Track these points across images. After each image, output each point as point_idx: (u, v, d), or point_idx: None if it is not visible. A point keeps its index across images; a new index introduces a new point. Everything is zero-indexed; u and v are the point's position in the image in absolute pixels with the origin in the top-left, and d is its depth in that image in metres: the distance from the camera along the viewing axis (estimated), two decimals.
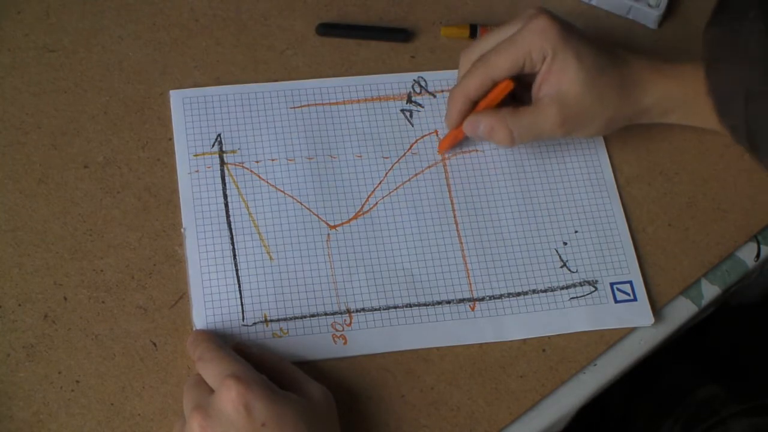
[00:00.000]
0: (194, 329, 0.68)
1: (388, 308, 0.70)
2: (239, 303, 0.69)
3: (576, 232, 0.75)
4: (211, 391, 0.61)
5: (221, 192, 0.73)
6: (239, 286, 0.70)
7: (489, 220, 0.74)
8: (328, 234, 0.72)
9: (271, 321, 0.69)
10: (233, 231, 0.72)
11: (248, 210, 0.73)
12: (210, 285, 0.70)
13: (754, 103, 0.48)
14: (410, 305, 0.71)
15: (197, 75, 0.78)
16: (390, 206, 0.74)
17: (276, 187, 0.74)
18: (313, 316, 0.69)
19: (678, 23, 0.84)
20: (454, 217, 0.74)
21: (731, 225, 0.76)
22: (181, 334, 0.68)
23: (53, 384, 0.66)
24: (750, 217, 0.77)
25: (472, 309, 0.71)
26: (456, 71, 0.79)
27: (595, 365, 0.71)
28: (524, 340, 0.71)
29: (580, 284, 0.73)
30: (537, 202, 0.75)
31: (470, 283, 0.72)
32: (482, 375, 0.69)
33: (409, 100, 0.79)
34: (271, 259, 0.71)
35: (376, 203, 0.74)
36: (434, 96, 0.79)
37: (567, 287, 0.72)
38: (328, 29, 0.80)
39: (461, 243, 0.73)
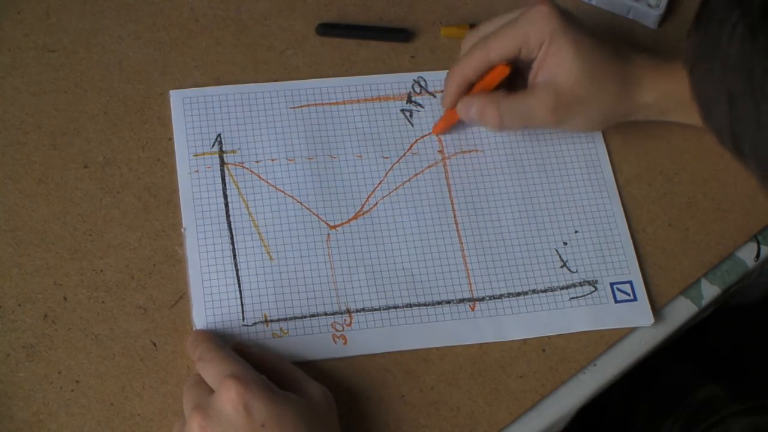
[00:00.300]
0: (194, 329, 0.68)
1: (388, 308, 0.70)
2: (239, 303, 0.69)
3: (576, 232, 0.75)
4: (211, 391, 0.61)
5: (221, 192, 0.73)
6: (239, 286, 0.70)
7: (489, 220, 0.74)
8: (328, 234, 0.72)
9: (271, 321, 0.69)
10: (233, 231, 0.72)
11: (248, 210, 0.73)
12: (210, 285, 0.70)
13: (736, 106, 0.48)
14: (410, 305, 0.71)
15: (197, 75, 0.78)
16: (390, 206, 0.74)
17: (276, 187, 0.74)
18: (313, 316, 0.69)
19: (678, 23, 0.84)
20: (454, 217, 0.74)
21: (731, 225, 0.76)
22: (181, 334, 0.68)
23: (53, 384, 0.66)
24: (750, 217, 0.77)
25: (472, 309, 0.71)
26: None
27: (595, 365, 0.71)
28: (524, 340, 0.70)
29: (580, 284, 0.73)
30: (537, 202, 0.75)
31: (470, 283, 0.72)
32: (482, 375, 0.69)
33: (409, 100, 0.79)
34: (271, 259, 0.71)
35: (376, 203, 0.74)
36: (434, 96, 0.79)
37: (567, 287, 0.72)
38: (328, 29, 0.80)
39: (461, 243, 0.73)
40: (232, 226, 0.72)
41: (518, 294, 0.72)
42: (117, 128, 0.75)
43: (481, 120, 0.73)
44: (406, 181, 0.75)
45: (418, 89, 0.79)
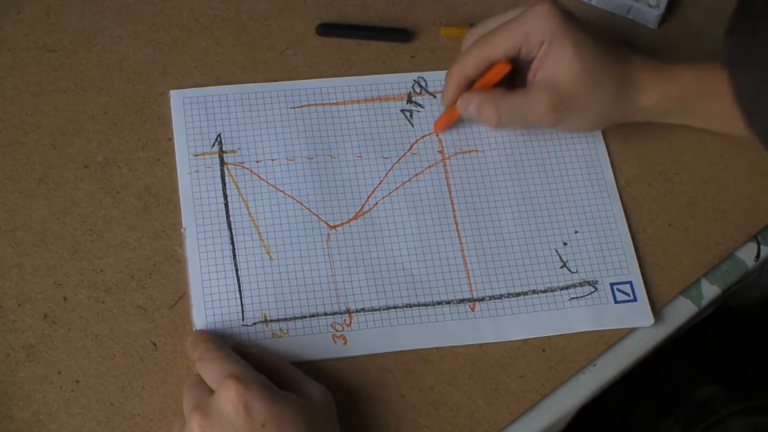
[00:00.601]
0: (194, 329, 0.68)
1: (388, 308, 0.70)
2: (239, 303, 0.69)
3: (576, 232, 0.75)
4: (211, 391, 0.61)
5: (221, 192, 0.73)
6: (239, 286, 0.70)
7: (489, 220, 0.74)
8: (328, 234, 0.72)
9: (271, 321, 0.69)
10: (233, 231, 0.72)
11: (248, 210, 0.73)
12: (210, 285, 0.70)
13: None
14: (410, 305, 0.71)
15: (197, 75, 0.78)
16: (390, 206, 0.74)
17: (276, 187, 0.74)
18: (313, 316, 0.69)
19: (678, 23, 0.84)
20: (454, 217, 0.74)
21: (731, 225, 0.76)
22: (181, 334, 0.68)
23: (53, 384, 0.66)
24: (750, 217, 0.77)
25: (472, 309, 0.71)
26: None
27: (595, 365, 0.71)
28: (524, 340, 0.71)
29: (580, 284, 0.73)
30: (537, 202, 0.75)
31: (470, 284, 0.72)
32: (482, 375, 0.69)
33: (409, 101, 0.79)
34: (271, 259, 0.71)
35: (376, 203, 0.74)
36: (434, 96, 0.79)
37: (567, 287, 0.72)
38: (328, 29, 0.80)
39: (461, 243, 0.73)
40: (232, 226, 0.72)
41: (518, 294, 0.72)
42: (117, 128, 0.75)
43: (480, 117, 0.73)
44: (406, 182, 0.75)
45: (418, 89, 0.79)
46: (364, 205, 0.74)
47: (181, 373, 0.67)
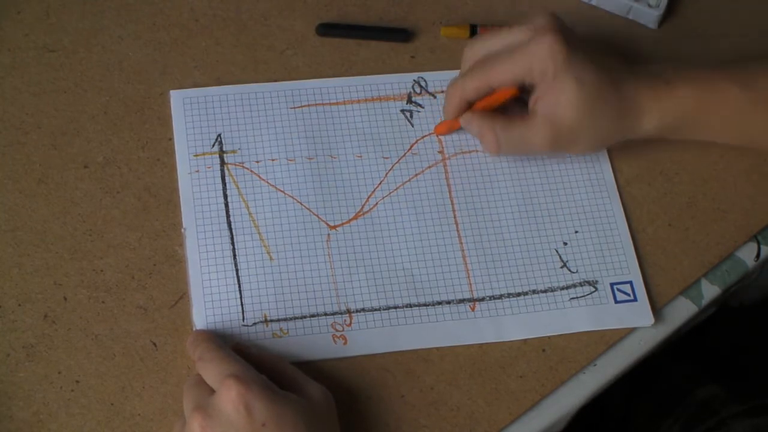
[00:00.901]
0: (194, 329, 0.68)
1: (388, 308, 0.70)
2: (239, 303, 0.69)
3: (576, 232, 0.75)
4: (212, 391, 0.61)
5: (221, 192, 0.73)
6: (239, 286, 0.70)
7: (489, 220, 0.74)
8: (328, 234, 0.72)
9: (271, 321, 0.69)
10: (233, 231, 0.72)
11: (248, 210, 0.73)
12: (210, 285, 0.70)
13: None
14: (410, 305, 0.71)
15: (197, 75, 0.78)
16: (390, 206, 0.74)
17: (276, 187, 0.74)
18: (313, 316, 0.69)
19: (678, 23, 0.84)
20: (454, 217, 0.74)
21: (731, 225, 0.76)
22: (181, 334, 0.68)
23: (53, 384, 0.66)
24: (750, 217, 0.77)
25: (472, 309, 0.71)
26: (456, 72, 0.79)
27: (595, 365, 0.71)
28: (524, 340, 0.70)
29: (581, 284, 0.73)
30: (537, 203, 0.75)
31: (470, 284, 0.72)
32: (482, 375, 0.69)
33: (409, 101, 0.79)
34: (271, 259, 0.71)
35: (376, 203, 0.74)
36: (434, 96, 0.79)
37: (567, 287, 0.72)
38: (328, 29, 0.80)
39: (461, 243, 0.73)
40: (232, 226, 0.72)
41: (518, 294, 0.72)
42: (117, 128, 0.75)
43: (480, 141, 0.75)
44: (406, 182, 0.75)
45: (418, 89, 0.79)
46: (364, 205, 0.74)
47: (182, 373, 0.67)
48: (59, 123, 0.75)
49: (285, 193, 0.74)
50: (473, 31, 0.81)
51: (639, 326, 0.72)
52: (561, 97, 0.70)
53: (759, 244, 0.76)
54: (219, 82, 0.77)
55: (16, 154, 0.73)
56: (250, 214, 0.73)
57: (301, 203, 0.73)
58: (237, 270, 0.70)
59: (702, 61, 0.82)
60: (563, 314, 0.71)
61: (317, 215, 0.73)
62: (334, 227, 0.73)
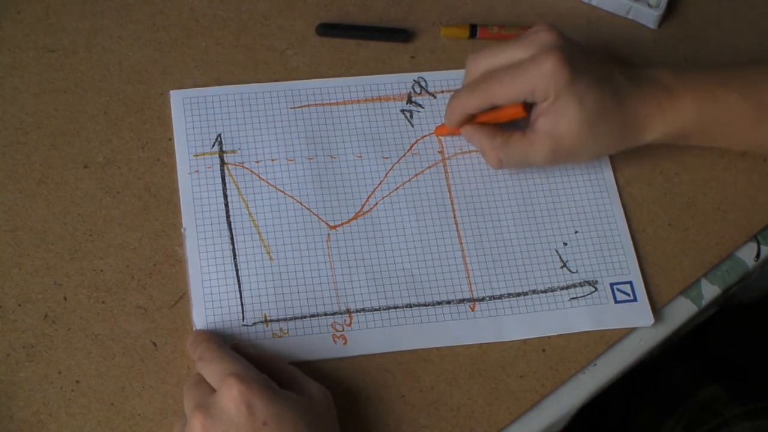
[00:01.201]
0: (194, 329, 0.68)
1: (388, 308, 0.70)
2: (239, 303, 0.69)
3: (576, 232, 0.75)
4: (212, 390, 0.61)
5: (221, 192, 0.73)
6: (239, 286, 0.70)
7: (489, 220, 0.74)
8: (328, 234, 0.72)
9: (271, 321, 0.69)
10: (233, 231, 0.72)
11: (248, 210, 0.73)
12: (210, 285, 0.70)
13: None
14: (410, 305, 0.71)
15: (197, 75, 0.78)
16: (390, 206, 0.74)
17: (276, 187, 0.74)
18: (313, 316, 0.69)
19: (678, 23, 0.84)
20: (454, 217, 0.74)
21: (731, 225, 0.76)
22: (181, 334, 0.68)
23: (53, 384, 0.66)
24: (750, 217, 0.77)
25: (472, 309, 0.71)
26: (456, 72, 0.79)
27: (595, 365, 0.71)
28: (524, 340, 0.70)
29: (581, 284, 0.73)
30: (537, 203, 0.75)
31: (470, 284, 0.72)
32: (482, 375, 0.69)
33: (409, 101, 0.79)
34: (271, 259, 0.71)
35: (376, 203, 0.74)
36: (434, 96, 0.79)
37: (567, 287, 0.72)
38: (328, 29, 0.80)
39: (461, 243, 0.73)
40: (232, 226, 0.72)
41: (518, 294, 0.72)
42: (117, 128, 0.75)
43: (482, 156, 0.75)
44: (406, 182, 0.75)
45: (418, 89, 0.79)
46: (364, 205, 0.74)
47: (182, 373, 0.67)
48: (59, 123, 0.75)
49: (285, 193, 0.74)
50: (473, 31, 0.81)
51: (639, 326, 0.72)
52: (562, 118, 0.70)
53: (759, 244, 0.76)
54: (219, 82, 0.77)
55: (16, 154, 0.73)
56: (250, 214, 0.73)
57: (301, 203, 0.73)
58: (237, 270, 0.70)
59: (701, 61, 0.82)
60: (563, 314, 0.71)
61: (317, 215, 0.73)
62: (334, 227, 0.73)
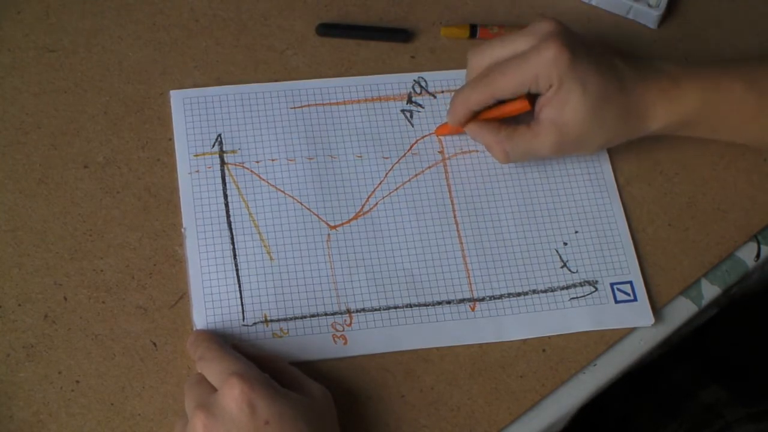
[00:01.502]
0: (195, 329, 0.68)
1: (388, 308, 0.70)
2: (239, 303, 0.69)
3: (576, 232, 0.75)
4: (214, 389, 0.61)
5: (221, 192, 0.73)
6: (239, 286, 0.70)
7: (489, 220, 0.74)
8: (329, 234, 0.72)
9: (271, 321, 0.69)
10: (233, 231, 0.72)
11: (248, 210, 0.73)
12: (210, 285, 0.70)
13: None
14: (410, 305, 0.71)
15: (197, 75, 0.78)
16: (390, 206, 0.74)
17: (276, 187, 0.74)
18: (313, 316, 0.69)
19: (678, 23, 0.84)
20: (454, 217, 0.74)
21: (731, 225, 0.76)
22: (181, 334, 0.68)
23: (53, 384, 0.66)
24: (750, 217, 0.77)
25: (472, 309, 0.71)
26: (456, 72, 0.79)
27: (595, 365, 0.71)
28: (524, 340, 0.70)
29: (581, 284, 0.73)
30: (537, 203, 0.75)
31: (470, 284, 0.72)
32: (482, 375, 0.69)
33: (410, 101, 0.79)
34: (271, 259, 0.71)
35: (377, 203, 0.74)
36: (434, 96, 0.79)
37: (567, 287, 0.72)
38: (328, 29, 0.80)
39: (461, 243, 0.73)
40: (232, 226, 0.72)
41: (518, 294, 0.72)
42: (117, 128, 0.75)
43: (488, 152, 0.74)
44: (406, 182, 0.75)
45: (418, 89, 0.79)
46: (364, 205, 0.74)
47: (182, 373, 0.67)
48: (59, 123, 0.75)
49: (285, 193, 0.74)
50: (473, 31, 0.81)
51: (639, 326, 0.72)
52: (566, 105, 0.70)
53: (759, 244, 0.76)
54: (219, 82, 0.77)
55: (16, 154, 0.73)
56: (250, 214, 0.73)
57: (301, 203, 0.73)
58: (237, 270, 0.70)
59: (701, 61, 0.82)
60: (563, 314, 0.71)
61: (317, 215, 0.73)
62: (335, 227, 0.73)
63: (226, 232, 0.72)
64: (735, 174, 0.78)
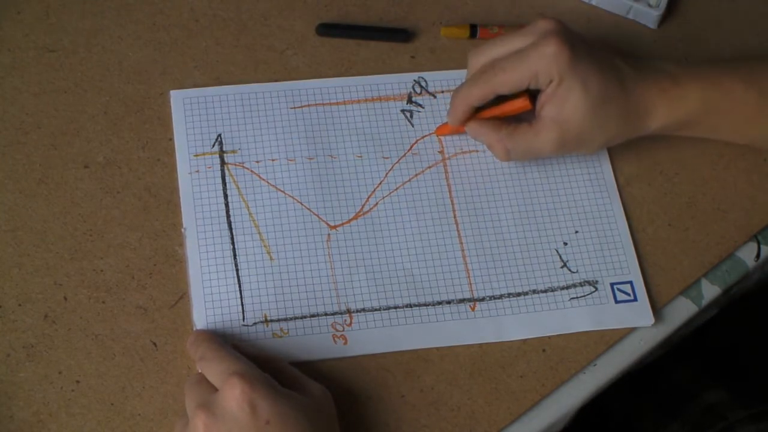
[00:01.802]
0: (195, 329, 0.68)
1: (388, 308, 0.70)
2: (239, 303, 0.69)
3: (576, 232, 0.75)
4: (214, 389, 0.61)
5: (221, 192, 0.73)
6: (239, 286, 0.70)
7: (489, 220, 0.74)
8: (329, 234, 0.72)
9: (272, 321, 0.69)
10: (233, 231, 0.72)
11: (248, 210, 0.73)
12: (210, 285, 0.70)
13: None
14: (410, 305, 0.71)
15: (197, 75, 0.78)
16: (390, 206, 0.74)
17: (276, 187, 0.74)
18: (313, 316, 0.69)
19: (678, 23, 0.84)
20: (454, 217, 0.74)
21: (731, 225, 0.76)
22: (181, 334, 0.68)
23: (53, 384, 0.66)
24: (750, 217, 0.77)
25: (473, 309, 0.71)
26: (456, 72, 0.79)
27: (595, 365, 0.71)
28: (524, 340, 0.70)
29: (581, 284, 0.73)
30: (537, 203, 0.75)
31: (470, 283, 0.72)
32: (482, 375, 0.69)
33: (410, 101, 0.79)
34: (271, 259, 0.71)
35: (377, 203, 0.74)
36: (434, 96, 0.79)
37: (567, 287, 0.72)
38: (328, 29, 0.80)
39: (461, 243, 0.73)
40: (233, 226, 0.72)
41: (518, 294, 0.72)
42: (117, 128, 0.75)
43: (489, 150, 0.74)
44: (406, 182, 0.75)
45: (418, 89, 0.79)
46: (364, 205, 0.74)
47: (182, 373, 0.67)
48: (59, 123, 0.75)
49: (285, 193, 0.74)
50: (473, 31, 0.81)
51: (639, 326, 0.72)
52: (567, 102, 0.70)
53: (759, 244, 0.76)
54: (219, 82, 0.77)
55: (16, 154, 0.73)
56: (250, 214, 0.73)
57: (301, 203, 0.73)
58: (237, 270, 0.70)
59: (702, 60, 0.82)
60: (563, 314, 0.71)
61: (317, 215, 0.73)
62: (335, 227, 0.73)
63: (226, 232, 0.72)
64: (735, 174, 0.78)
